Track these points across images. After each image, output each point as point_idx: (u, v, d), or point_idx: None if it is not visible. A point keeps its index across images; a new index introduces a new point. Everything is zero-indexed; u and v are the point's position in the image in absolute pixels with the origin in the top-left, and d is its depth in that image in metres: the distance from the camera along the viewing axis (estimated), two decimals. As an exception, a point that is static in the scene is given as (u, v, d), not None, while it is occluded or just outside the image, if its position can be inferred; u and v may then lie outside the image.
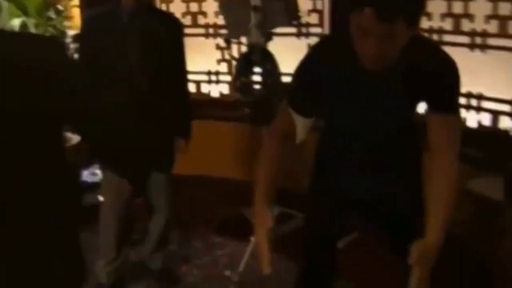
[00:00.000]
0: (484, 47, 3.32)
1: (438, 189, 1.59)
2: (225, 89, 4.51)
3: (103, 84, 2.66)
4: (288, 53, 3.47)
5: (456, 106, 1.67)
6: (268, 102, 3.04)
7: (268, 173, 1.77)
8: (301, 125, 1.71)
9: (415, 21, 1.49)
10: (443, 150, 1.62)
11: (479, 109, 3.42)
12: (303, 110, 1.71)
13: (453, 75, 1.62)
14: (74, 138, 4.20)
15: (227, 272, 3.19)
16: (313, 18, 3.96)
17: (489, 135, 3.35)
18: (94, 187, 4.37)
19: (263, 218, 1.72)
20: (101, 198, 4.09)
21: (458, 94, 1.66)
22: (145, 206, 3.09)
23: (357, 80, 1.62)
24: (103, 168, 2.99)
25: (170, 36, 2.77)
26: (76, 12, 4.32)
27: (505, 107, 3.30)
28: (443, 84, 1.61)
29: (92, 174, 4.55)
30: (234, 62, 3.91)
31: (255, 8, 2.91)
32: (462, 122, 1.56)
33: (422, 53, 1.60)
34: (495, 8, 3.21)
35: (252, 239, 3.23)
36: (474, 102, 3.43)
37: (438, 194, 1.58)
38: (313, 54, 1.73)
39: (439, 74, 1.60)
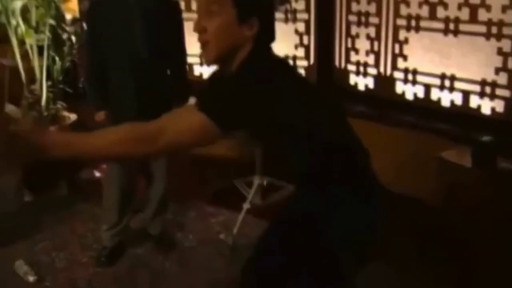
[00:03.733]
0: (456, 32, 3.59)
1: None
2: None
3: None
4: (276, 36, 3.73)
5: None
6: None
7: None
8: None
9: (245, 10, 1.57)
10: None
11: (452, 89, 3.72)
12: None
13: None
14: (71, 117, 4.42)
15: (222, 236, 3.44)
16: (300, 5, 4.23)
17: (461, 113, 3.66)
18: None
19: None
20: (97, 174, 4.33)
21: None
22: (146, 177, 3.33)
23: None
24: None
25: (170, 16, 3.05)
26: (73, -3, 4.52)
27: (475, 87, 3.60)
28: None
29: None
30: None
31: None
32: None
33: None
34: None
35: (244, 206, 3.50)
36: (447, 82, 3.72)
37: None
38: None
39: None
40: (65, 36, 4.34)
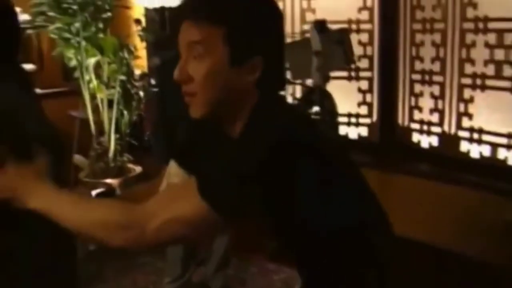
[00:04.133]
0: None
1: None
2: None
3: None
4: (340, 94, 3.79)
5: None
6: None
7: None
8: None
9: (242, 48, 1.19)
10: None
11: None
12: None
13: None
14: (136, 169, 4.55)
15: (283, 294, 3.43)
16: (364, 63, 4.28)
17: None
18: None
19: None
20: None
21: None
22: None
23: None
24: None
25: None
26: (143, 54, 4.71)
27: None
28: None
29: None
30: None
31: (317, 53, 3.23)
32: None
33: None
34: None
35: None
36: (515, 142, 3.66)
37: None
38: None
39: None
40: (133, 90, 4.51)
